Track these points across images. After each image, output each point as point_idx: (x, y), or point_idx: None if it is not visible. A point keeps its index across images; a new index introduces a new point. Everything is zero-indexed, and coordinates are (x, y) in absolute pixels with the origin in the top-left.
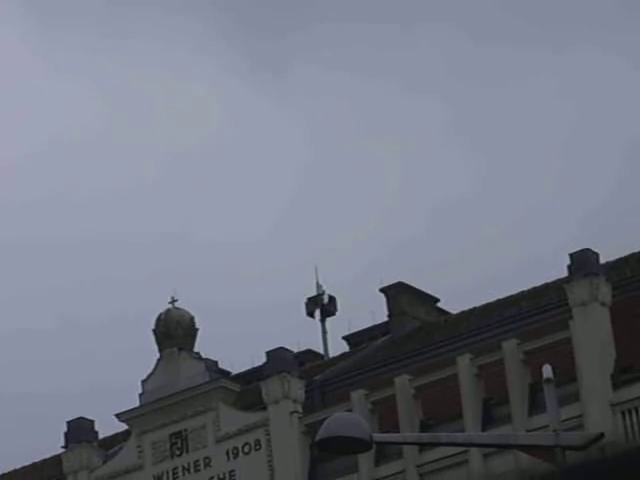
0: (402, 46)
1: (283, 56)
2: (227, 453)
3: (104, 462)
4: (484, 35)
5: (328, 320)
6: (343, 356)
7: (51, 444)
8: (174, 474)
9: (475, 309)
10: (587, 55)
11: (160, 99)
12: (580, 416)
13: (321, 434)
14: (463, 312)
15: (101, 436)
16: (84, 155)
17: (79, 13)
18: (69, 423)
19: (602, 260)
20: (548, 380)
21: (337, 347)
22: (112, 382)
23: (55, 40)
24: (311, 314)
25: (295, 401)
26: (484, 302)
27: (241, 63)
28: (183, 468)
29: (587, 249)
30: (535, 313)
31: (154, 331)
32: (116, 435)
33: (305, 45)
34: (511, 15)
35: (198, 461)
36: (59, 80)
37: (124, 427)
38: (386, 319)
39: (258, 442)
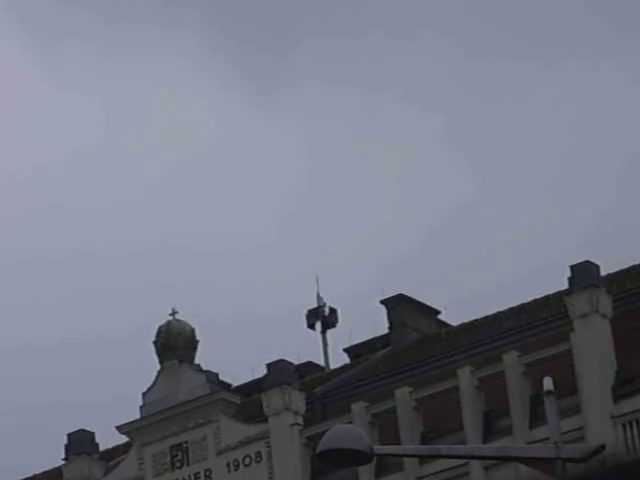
0: (400, 60)
1: (281, 70)
2: (228, 465)
3: (105, 474)
4: (481, 49)
5: (329, 332)
6: (344, 368)
7: (52, 456)
8: None
9: (476, 321)
10: (580, 69)
11: (158, 113)
12: (581, 428)
13: (322, 446)
14: (464, 324)
15: (102, 448)
16: (83, 169)
17: (79, 30)
18: (70, 435)
19: (603, 272)
20: (549, 392)
21: (338, 359)
22: (113, 394)
23: (56, 56)
24: (312, 326)
25: (296, 413)
26: (484, 314)
27: (239, 77)
28: None
29: (587, 261)
30: (536, 325)
31: (155, 343)
32: (117, 447)
33: (303, 59)
34: (506, 30)
35: (199, 473)
36: (60, 95)
37: (125, 439)
38: (387, 331)
39: (259, 454)
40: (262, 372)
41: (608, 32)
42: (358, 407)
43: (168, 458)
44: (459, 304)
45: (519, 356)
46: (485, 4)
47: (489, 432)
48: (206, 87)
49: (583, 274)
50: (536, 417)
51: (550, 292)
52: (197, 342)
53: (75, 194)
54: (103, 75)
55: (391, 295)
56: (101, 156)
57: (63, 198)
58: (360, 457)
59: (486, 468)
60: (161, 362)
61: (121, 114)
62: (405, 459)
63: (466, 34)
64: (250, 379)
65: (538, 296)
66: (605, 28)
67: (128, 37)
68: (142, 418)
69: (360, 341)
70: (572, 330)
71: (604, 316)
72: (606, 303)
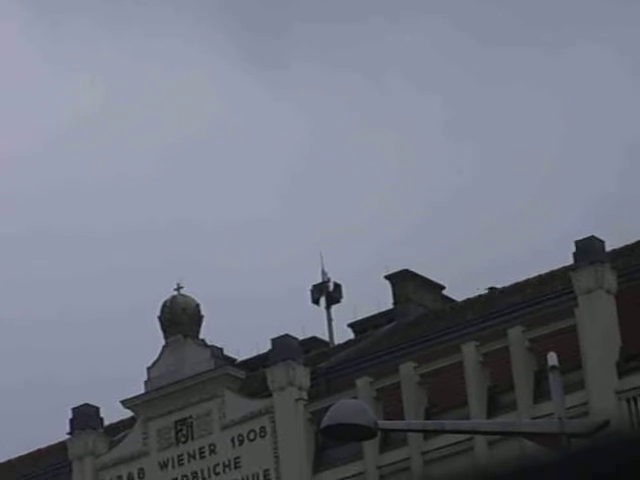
0: (401, 43)
1: (283, 51)
2: (232, 440)
3: (109, 448)
4: (481, 32)
5: (333, 307)
6: (348, 343)
7: (57, 430)
8: (179, 461)
9: (480, 297)
10: (583, 52)
11: (161, 91)
12: (585, 404)
13: (326, 421)
14: (468, 299)
15: (106, 423)
16: (86, 146)
17: (78, 7)
18: (74, 410)
19: (607, 248)
20: (553, 368)
21: (342, 334)
22: (117, 369)
23: (54, 34)
24: (316, 301)
25: (300, 388)
26: (489, 289)
27: (241, 56)
28: (188, 455)
29: (592, 237)
30: (540, 301)
31: (159, 318)
32: (121, 422)
33: (304, 40)
34: (509, 15)
35: (203, 448)
36: (59, 73)
37: (129, 414)
38: (391, 306)
39: (263, 429)
40: (266, 347)
41: (610, 15)
42: (362, 382)
43: (172, 433)
44: (464, 279)
45: (524, 331)
46: None
47: (493, 407)
48: (208, 66)
49: (588, 250)
50: (540, 392)
51: (555, 268)
52: (202, 317)
53: (78, 171)
54: (105, 54)
55: (396, 270)
56: (104, 134)
57: (65, 175)
58: (364, 432)
59: (490, 443)
60: (166, 337)
61: (122, 91)
62: (409, 434)
63: (466, 17)
64: (255, 354)
65: (543, 272)
66: (607, 10)
67: (130, 17)
68: (147, 393)
69: (364, 316)
70: (577, 306)
71: (609, 292)
72: (611, 279)
